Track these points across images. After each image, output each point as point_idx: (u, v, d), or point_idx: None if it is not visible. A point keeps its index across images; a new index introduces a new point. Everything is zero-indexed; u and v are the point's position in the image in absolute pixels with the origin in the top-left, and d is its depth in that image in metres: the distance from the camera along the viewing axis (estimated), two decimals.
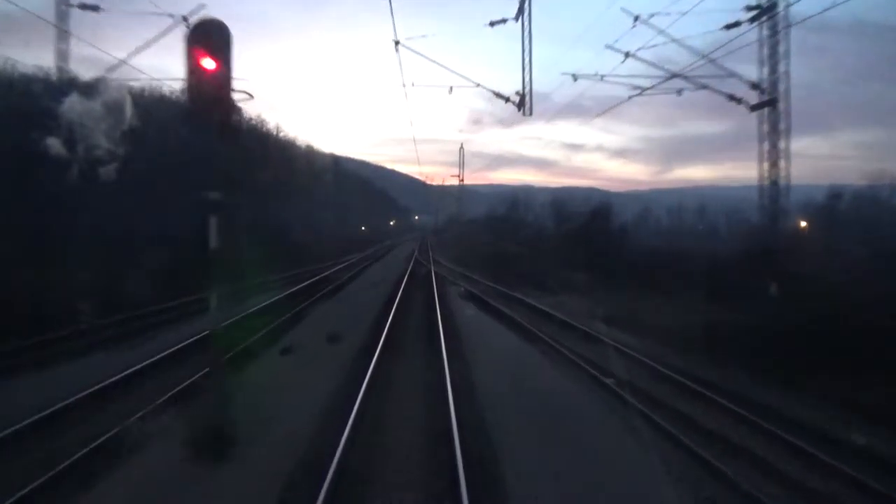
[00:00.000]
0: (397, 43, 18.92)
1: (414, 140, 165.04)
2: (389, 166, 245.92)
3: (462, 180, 75.46)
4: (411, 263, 44.22)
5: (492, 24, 19.72)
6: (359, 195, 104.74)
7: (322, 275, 33.34)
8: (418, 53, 33.85)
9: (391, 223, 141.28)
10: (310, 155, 73.58)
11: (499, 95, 20.02)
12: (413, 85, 71.63)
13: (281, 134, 61.95)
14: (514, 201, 66.01)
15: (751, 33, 21.47)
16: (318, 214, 63.75)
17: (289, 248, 38.27)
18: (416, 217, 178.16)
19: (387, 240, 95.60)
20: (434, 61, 34.29)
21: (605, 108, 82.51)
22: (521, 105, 19.87)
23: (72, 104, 24.47)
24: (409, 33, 64.05)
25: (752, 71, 23.35)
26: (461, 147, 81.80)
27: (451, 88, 21.23)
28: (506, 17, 19.69)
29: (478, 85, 21.00)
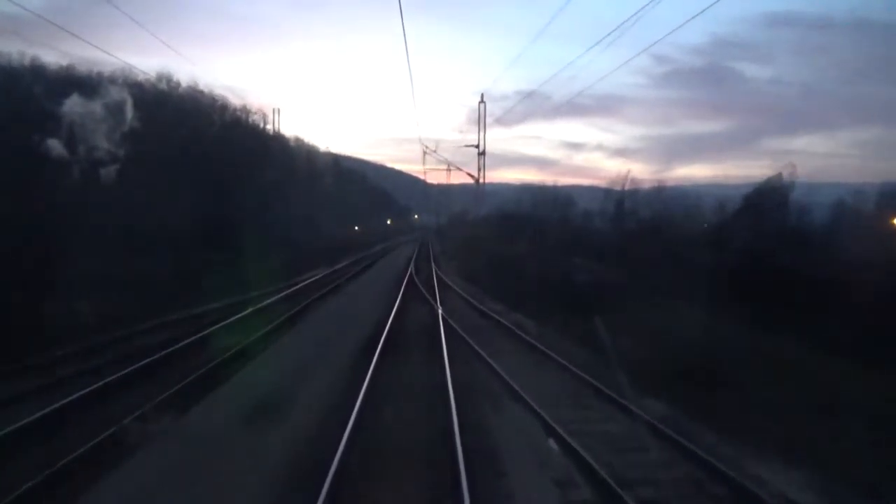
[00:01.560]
0: None
1: (420, 139, 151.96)
2: (389, 165, 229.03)
3: (483, 154, 55.22)
4: (401, 293, 24.69)
5: None
6: (354, 193, 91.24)
7: (207, 331, 15.06)
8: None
9: (388, 222, 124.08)
10: (299, 147, 67.29)
11: None
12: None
13: (268, 126, 56.48)
14: (543, 197, 45.84)
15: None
16: (302, 213, 52.94)
17: (236, 260, 26.65)
18: (416, 216, 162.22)
19: (378, 243, 74.18)
20: None
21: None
22: None
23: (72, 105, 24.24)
24: (415, 32, 49.76)
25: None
26: (481, 100, 55.54)
27: None
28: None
29: None
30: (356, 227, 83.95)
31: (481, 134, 56.78)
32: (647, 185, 37.44)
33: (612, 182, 38.56)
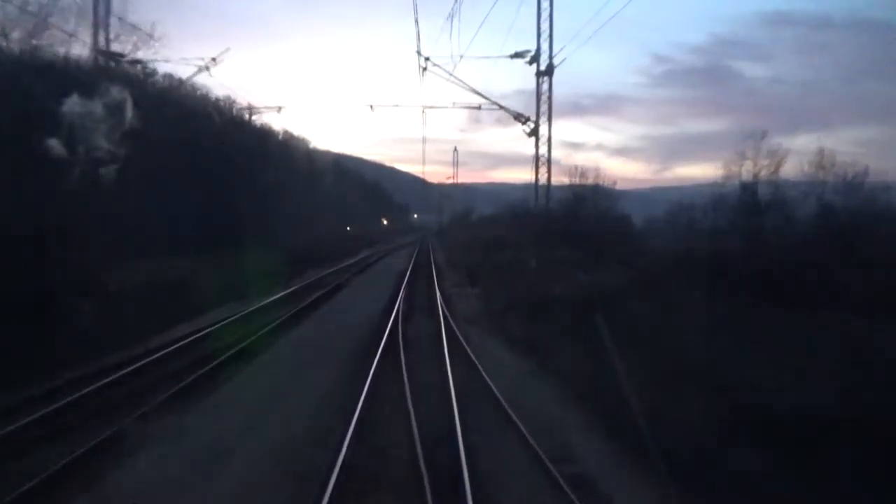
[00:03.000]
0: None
1: (423, 139, 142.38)
2: (388, 164, 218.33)
3: (549, 75, 28.36)
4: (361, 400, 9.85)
5: None
6: (349, 191, 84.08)
7: None
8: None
9: (384, 222, 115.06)
10: (280, 137, 58.12)
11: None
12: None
13: (255, 117, 48.40)
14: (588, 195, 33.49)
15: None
16: (281, 213, 45.95)
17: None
18: (416, 216, 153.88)
19: (367, 248, 61.17)
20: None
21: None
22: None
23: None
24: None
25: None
26: None
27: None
28: None
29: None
30: (348, 228, 75.86)
31: (544, 26, 28.06)
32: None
33: (730, 171, 22.49)
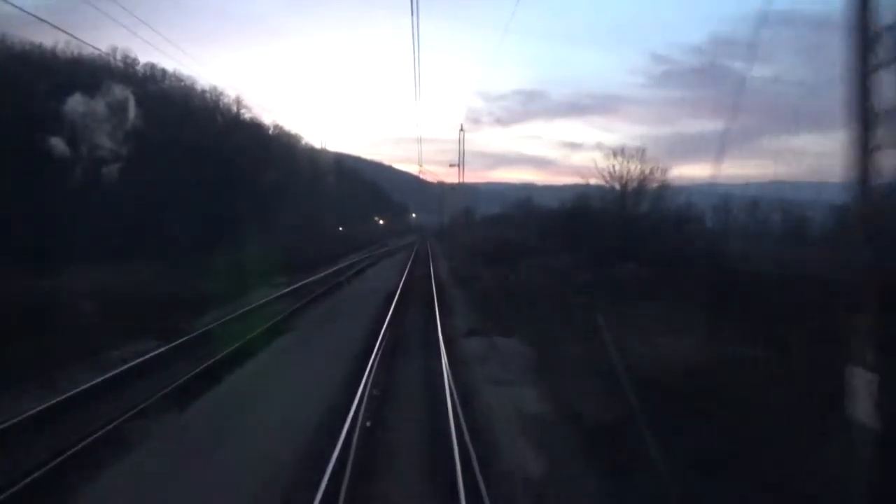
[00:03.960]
0: None
1: (420, 139, 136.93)
2: (387, 163, 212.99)
3: None
4: None
5: None
6: (347, 190, 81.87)
7: None
8: None
9: (380, 222, 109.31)
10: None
11: None
12: None
13: (243, 111, 49.09)
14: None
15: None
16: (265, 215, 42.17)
17: None
18: (414, 215, 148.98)
19: (352, 253, 48.85)
20: None
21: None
22: None
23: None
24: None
25: None
26: None
27: None
28: None
29: None
30: (340, 228, 72.93)
31: None
32: None
33: None
